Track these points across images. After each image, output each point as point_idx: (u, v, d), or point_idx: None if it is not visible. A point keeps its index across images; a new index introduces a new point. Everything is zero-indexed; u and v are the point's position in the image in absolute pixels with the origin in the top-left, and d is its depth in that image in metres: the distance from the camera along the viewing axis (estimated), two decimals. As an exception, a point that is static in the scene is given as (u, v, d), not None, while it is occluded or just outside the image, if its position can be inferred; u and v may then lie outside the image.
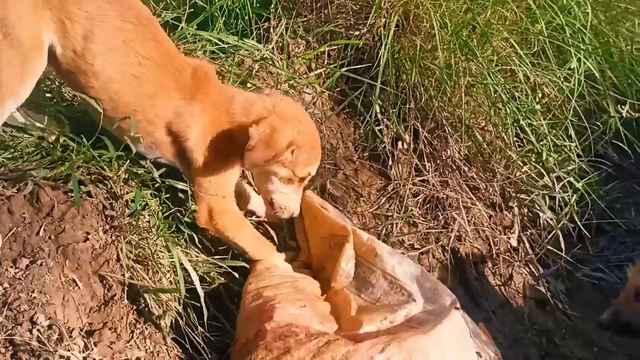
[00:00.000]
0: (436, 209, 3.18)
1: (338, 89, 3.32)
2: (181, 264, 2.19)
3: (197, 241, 2.43)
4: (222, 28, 3.15)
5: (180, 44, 2.93)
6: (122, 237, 2.15)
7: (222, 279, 2.43)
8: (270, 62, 3.15)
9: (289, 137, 2.33)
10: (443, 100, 3.31)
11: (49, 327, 1.80)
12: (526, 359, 2.76)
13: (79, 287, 2.01)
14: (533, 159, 3.33)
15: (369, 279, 2.48)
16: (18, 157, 2.19)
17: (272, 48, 3.21)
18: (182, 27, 2.96)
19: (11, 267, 1.92)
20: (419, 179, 3.22)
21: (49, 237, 2.02)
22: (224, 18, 3.22)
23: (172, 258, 2.20)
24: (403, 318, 2.36)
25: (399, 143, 3.32)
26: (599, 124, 3.45)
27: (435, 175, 3.25)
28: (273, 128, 2.29)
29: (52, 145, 2.29)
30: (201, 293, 2.16)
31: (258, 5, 3.36)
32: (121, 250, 2.13)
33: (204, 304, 2.15)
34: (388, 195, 3.16)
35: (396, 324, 2.33)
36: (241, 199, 2.64)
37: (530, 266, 3.29)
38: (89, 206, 2.15)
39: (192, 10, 3.12)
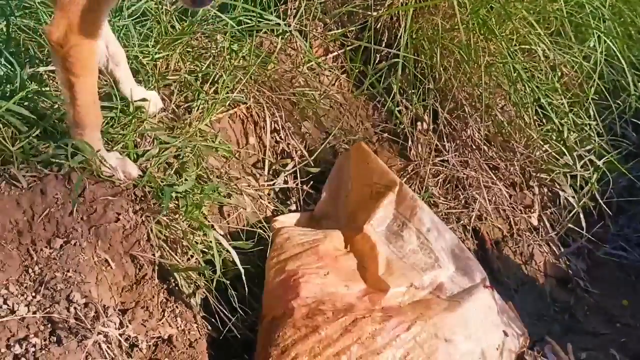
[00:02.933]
0: (456, 189, 3.18)
1: (357, 70, 3.32)
2: (219, 243, 2.21)
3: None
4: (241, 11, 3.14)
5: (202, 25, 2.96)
6: (151, 217, 2.17)
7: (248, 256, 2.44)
8: (289, 41, 3.15)
9: None
10: (462, 80, 3.29)
11: (85, 305, 1.83)
12: (549, 335, 2.77)
13: (111, 267, 2.04)
14: (553, 138, 3.33)
15: (401, 232, 2.50)
16: (47, 138, 2.21)
17: (291, 30, 3.21)
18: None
19: (46, 247, 1.94)
20: (438, 159, 3.22)
21: (81, 218, 2.04)
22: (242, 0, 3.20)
23: (202, 237, 2.22)
24: (429, 284, 2.37)
25: (419, 124, 3.31)
26: (619, 102, 3.44)
27: (455, 155, 3.24)
28: None
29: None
30: (242, 269, 2.18)
31: (277, -14, 3.35)
32: (151, 230, 2.16)
33: (245, 281, 2.18)
34: (408, 175, 3.16)
35: (422, 291, 2.35)
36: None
37: (551, 245, 3.30)
38: (119, 187, 2.17)
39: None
